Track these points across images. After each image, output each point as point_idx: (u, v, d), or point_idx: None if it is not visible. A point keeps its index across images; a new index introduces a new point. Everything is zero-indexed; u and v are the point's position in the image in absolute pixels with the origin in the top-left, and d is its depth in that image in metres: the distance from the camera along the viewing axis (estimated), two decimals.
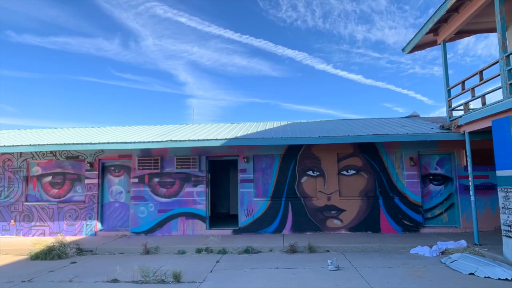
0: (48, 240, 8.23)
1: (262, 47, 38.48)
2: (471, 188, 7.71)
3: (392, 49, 42.90)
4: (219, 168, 13.97)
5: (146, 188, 10.01)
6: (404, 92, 41.86)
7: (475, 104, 8.24)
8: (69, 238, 8.85)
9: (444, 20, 8.45)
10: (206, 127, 11.80)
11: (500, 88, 6.59)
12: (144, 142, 9.11)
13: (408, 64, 41.72)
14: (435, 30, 8.97)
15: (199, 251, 7.89)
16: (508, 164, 6.19)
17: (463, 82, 8.16)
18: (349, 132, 9.22)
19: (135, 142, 9.13)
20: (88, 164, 10.15)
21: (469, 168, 7.79)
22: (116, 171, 10.39)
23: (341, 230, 9.45)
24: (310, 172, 9.81)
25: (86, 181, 10.19)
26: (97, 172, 10.19)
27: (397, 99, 44.63)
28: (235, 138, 9.13)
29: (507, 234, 6.20)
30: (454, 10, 7.96)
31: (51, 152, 10.37)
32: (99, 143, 9.28)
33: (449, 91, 8.85)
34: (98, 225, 10.04)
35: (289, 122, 12.51)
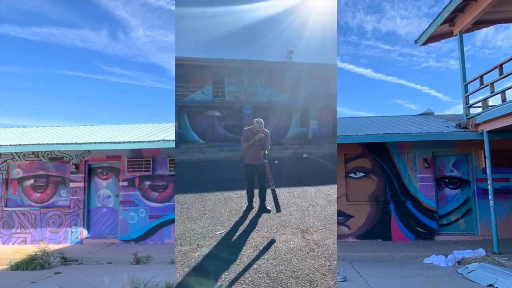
0: (30, 249, 8.22)
1: None
2: (490, 192, 7.70)
3: (404, 41, 42.94)
4: None
5: (137, 192, 10.01)
6: (417, 87, 41.87)
7: (495, 101, 8.25)
8: (52, 247, 8.84)
9: (460, 9, 8.45)
10: None
11: None
12: (134, 142, 9.11)
13: (421, 57, 41.74)
14: (451, 20, 8.97)
15: None
16: None
17: (481, 77, 8.17)
18: (357, 131, 9.22)
19: (124, 142, 9.12)
20: (74, 166, 10.15)
21: (488, 170, 7.78)
22: (104, 173, 10.39)
23: (349, 237, 9.44)
24: None
25: (71, 184, 10.19)
26: (83, 175, 10.19)
27: (410, 95, 44.66)
28: None
29: None
30: None
31: (33, 153, 10.37)
32: (85, 143, 9.28)
33: (466, 86, 8.85)
34: (84, 232, 10.04)
35: None
